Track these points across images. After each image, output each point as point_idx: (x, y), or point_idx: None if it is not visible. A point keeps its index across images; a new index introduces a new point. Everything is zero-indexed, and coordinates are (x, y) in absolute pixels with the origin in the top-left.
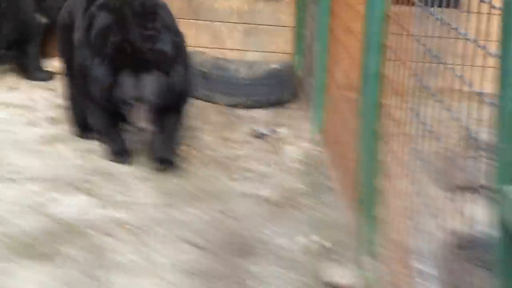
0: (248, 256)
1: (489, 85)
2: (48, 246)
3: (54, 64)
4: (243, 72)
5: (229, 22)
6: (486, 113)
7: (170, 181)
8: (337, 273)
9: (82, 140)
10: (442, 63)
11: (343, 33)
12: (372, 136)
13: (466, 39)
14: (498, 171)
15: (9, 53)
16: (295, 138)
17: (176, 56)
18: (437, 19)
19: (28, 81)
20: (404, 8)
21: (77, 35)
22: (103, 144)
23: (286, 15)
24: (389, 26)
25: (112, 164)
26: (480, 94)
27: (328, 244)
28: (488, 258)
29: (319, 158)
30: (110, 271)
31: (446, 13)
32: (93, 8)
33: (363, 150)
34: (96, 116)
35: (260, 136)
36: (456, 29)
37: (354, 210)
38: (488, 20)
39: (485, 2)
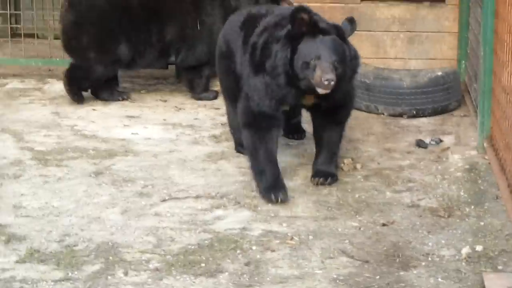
0: (410, 269)
1: None
2: (211, 262)
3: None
4: (407, 81)
5: (392, 31)
6: None
7: (331, 194)
8: (502, 282)
9: (245, 157)
10: None
11: (509, 36)
12: None
13: None
14: None
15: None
16: (460, 146)
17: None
18: None
19: (194, 100)
20: None
21: (243, 69)
22: (257, 178)
23: (450, 21)
24: None
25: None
26: None
27: (493, 254)
28: None
29: (485, 166)
30: (267, 284)
31: None
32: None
33: None
34: (252, 140)
35: (424, 145)
36: None
37: None
38: None
39: None
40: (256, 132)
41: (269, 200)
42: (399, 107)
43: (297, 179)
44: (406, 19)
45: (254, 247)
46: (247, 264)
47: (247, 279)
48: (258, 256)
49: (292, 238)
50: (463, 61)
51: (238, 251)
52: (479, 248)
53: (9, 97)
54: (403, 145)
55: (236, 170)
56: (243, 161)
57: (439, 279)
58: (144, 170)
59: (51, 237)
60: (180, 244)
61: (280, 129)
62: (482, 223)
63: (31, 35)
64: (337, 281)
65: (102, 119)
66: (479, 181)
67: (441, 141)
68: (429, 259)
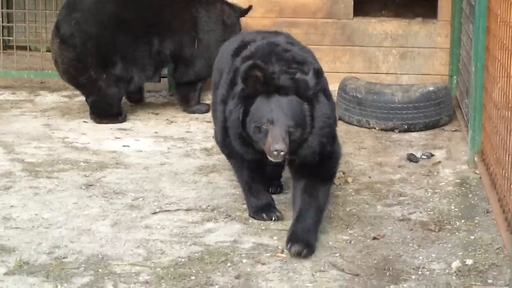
0: (400, 282)
1: None
2: (201, 275)
3: (210, 97)
4: (398, 96)
5: (384, 47)
6: None
7: None
8: None
9: None
10: None
11: (500, 52)
12: None
13: None
14: None
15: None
16: (451, 160)
17: (317, 87)
18: None
19: (186, 113)
20: None
21: (221, 90)
22: (246, 201)
23: (442, 37)
24: None
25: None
26: None
27: (483, 268)
28: None
29: (476, 180)
30: None
31: None
32: (236, 62)
33: None
34: (240, 169)
35: (415, 159)
36: None
37: (510, 232)
38: None
39: None
40: (240, 164)
41: (261, 219)
42: (390, 121)
43: (287, 192)
44: (398, 34)
45: (244, 260)
46: (237, 277)
47: None
48: (248, 269)
49: (282, 251)
50: (455, 77)
51: (229, 264)
52: (469, 262)
53: (0, 109)
54: (395, 159)
55: (228, 183)
56: None
57: None
58: (135, 182)
59: (40, 249)
60: (170, 256)
61: None
62: (472, 237)
63: (23, 48)
64: None
65: (93, 132)
66: (470, 195)
67: (432, 155)
68: (420, 272)
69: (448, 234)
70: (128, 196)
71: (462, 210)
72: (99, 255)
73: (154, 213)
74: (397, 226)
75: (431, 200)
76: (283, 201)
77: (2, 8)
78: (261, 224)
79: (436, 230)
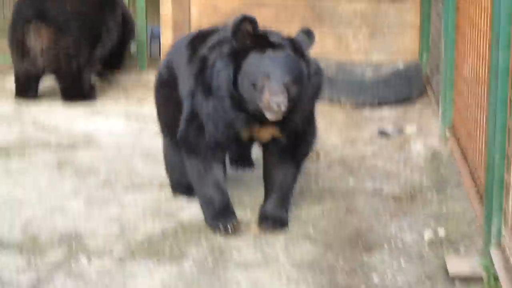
0: (373, 252)
1: None
2: (175, 249)
3: None
4: (369, 74)
5: (354, 26)
6: None
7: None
8: (464, 266)
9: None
10: None
11: (469, 29)
12: (502, 131)
13: None
14: None
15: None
16: (422, 135)
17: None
18: None
19: None
20: None
21: (186, 86)
22: (204, 207)
23: (411, 15)
24: None
25: (238, 171)
26: None
27: (455, 238)
28: None
29: (447, 154)
30: (231, 269)
31: None
32: (201, 52)
33: (493, 144)
34: (197, 168)
35: (386, 134)
36: None
37: (482, 203)
38: None
39: None
40: (203, 161)
41: (217, 230)
42: (362, 97)
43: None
44: (367, 13)
45: (218, 234)
46: (211, 250)
47: (211, 264)
48: (222, 243)
49: (255, 224)
50: (425, 54)
51: (202, 238)
52: (441, 232)
53: None
54: (366, 135)
55: None
56: None
57: (402, 263)
58: (107, 161)
59: (13, 226)
60: (143, 232)
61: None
62: (444, 209)
63: None
64: (301, 265)
65: (64, 112)
66: (441, 169)
67: (403, 130)
68: (392, 243)
69: (420, 206)
70: (100, 174)
71: (434, 182)
72: (73, 232)
73: (127, 190)
74: (369, 199)
75: (403, 173)
76: (256, 175)
77: None
78: (235, 198)
79: (408, 202)
